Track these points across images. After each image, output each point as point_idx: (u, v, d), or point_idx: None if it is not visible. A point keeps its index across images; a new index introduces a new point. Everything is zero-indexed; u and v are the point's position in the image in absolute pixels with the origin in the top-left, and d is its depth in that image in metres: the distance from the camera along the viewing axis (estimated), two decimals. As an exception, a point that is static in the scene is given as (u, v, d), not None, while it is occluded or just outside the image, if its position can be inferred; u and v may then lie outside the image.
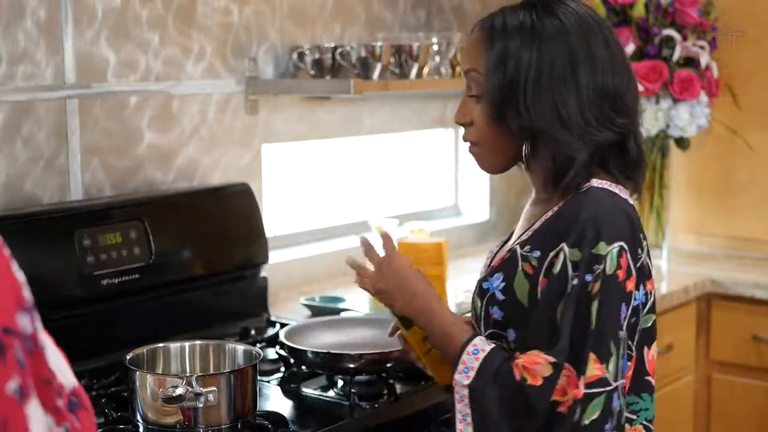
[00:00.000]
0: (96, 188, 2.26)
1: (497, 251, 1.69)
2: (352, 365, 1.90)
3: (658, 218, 3.06)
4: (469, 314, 1.67)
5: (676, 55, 2.92)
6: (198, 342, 1.86)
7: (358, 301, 2.50)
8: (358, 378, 1.94)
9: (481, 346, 1.50)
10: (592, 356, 1.42)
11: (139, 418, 1.68)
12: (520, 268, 1.53)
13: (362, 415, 1.84)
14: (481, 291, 1.58)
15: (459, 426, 1.49)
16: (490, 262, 1.68)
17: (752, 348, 2.92)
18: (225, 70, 2.52)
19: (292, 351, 1.97)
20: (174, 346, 1.84)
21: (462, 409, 1.48)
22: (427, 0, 3.08)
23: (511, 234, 1.70)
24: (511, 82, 1.51)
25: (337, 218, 3.01)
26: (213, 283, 2.30)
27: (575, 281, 1.45)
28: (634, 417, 1.55)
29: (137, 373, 1.67)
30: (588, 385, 1.42)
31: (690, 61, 2.97)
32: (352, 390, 1.89)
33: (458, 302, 2.29)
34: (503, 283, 1.54)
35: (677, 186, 3.25)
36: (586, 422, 1.41)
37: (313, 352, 1.93)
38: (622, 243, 1.45)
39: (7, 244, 0.91)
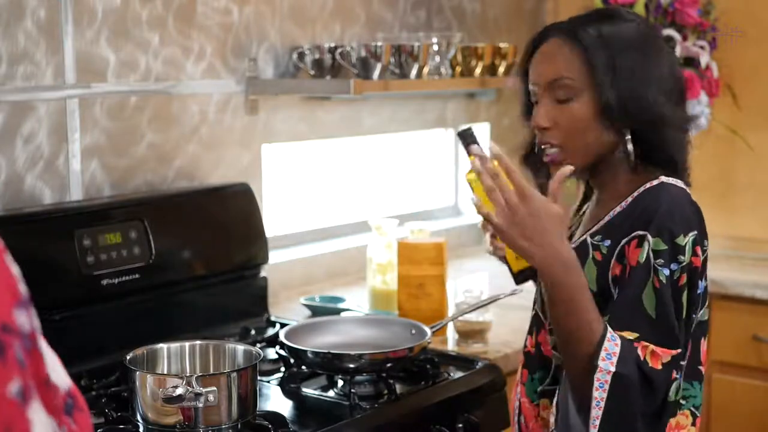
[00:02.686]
0: (96, 188, 2.26)
1: None
2: (352, 365, 1.90)
3: (658, 218, 3.05)
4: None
5: (676, 55, 2.92)
6: (198, 342, 1.86)
7: (358, 301, 2.51)
8: (358, 378, 1.94)
9: (612, 349, 1.50)
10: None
11: (139, 418, 1.68)
12: (590, 256, 1.60)
13: (362, 415, 1.84)
14: None
15: (593, 412, 1.49)
16: None
17: (752, 348, 2.92)
18: (225, 70, 2.52)
19: (292, 351, 1.97)
20: (174, 346, 1.84)
21: (599, 395, 1.49)
22: (427, 0, 3.08)
23: (570, 237, 1.70)
24: (624, 75, 1.59)
25: (337, 218, 3.01)
26: (213, 283, 2.30)
27: (666, 271, 1.53)
28: (683, 402, 1.61)
29: (137, 373, 1.67)
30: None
31: (690, 61, 2.97)
32: (352, 390, 1.89)
33: (458, 302, 2.29)
34: None
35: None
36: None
37: (313, 352, 1.93)
38: (695, 231, 1.58)
39: (7, 244, 0.89)
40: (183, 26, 2.41)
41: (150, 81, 2.36)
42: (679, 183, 1.63)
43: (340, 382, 1.96)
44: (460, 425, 1.97)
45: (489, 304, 2.15)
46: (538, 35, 1.68)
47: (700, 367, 1.64)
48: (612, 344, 1.49)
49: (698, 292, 1.61)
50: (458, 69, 2.81)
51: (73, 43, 2.19)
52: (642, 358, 1.49)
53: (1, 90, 2.08)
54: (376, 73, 2.53)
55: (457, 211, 3.40)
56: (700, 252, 1.59)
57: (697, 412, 1.63)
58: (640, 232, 1.54)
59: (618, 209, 1.62)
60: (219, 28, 2.50)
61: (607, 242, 1.60)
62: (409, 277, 2.37)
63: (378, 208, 3.10)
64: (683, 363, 1.56)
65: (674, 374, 1.53)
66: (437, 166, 3.36)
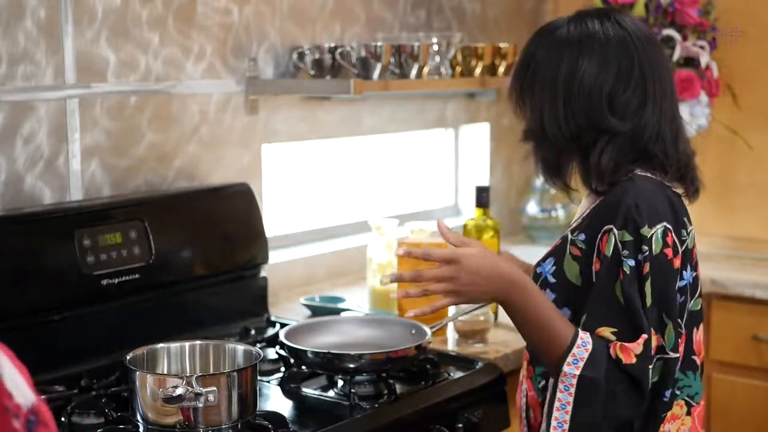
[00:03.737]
0: (96, 188, 2.26)
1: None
2: (352, 365, 1.90)
3: (658, 218, 3.05)
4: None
5: (676, 55, 2.92)
6: (198, 342, 1.86)
7: (358, 301, 2.51)
8: (358, 378, 1.94)
9: (587, 338, 1.55)
10: (651, 330, 1.55)
11: (139, 418, 1.68)
12: (568, 251, 1.65)
13: (362, 415, 1.84)
14: (535, 275, 1.68)
15: (556, 414, 1.55)
16: None
17: (752, 348, 2.92)
18: (225, 70, 2.52)
19: (292, 351, 1.97)
20: (174, 346, 1.84)
21: (563, 398, 1.54)
22: (427, 0, 3.08)
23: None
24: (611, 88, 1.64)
25: (337, 218, 3.01)
26: (213, 283, 2.30)
27: (631, 262, 1.55)
28: (678, 392, 1.64)
29: (137, 373, 1.67)
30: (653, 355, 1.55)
31: (690, 61, 2.97)
32: (352, 390, 1.89)
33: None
34: (554, 267, 1.66)
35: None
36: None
37: (313, 352, 1.93)
38: (665, 223, 1.57)
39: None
40: (183, 26, 2.41)
41: (150, 81, 2.36)
42: (657, 176, 1.64)
43: (340, 382, 1.96)
44: (460, 425, 1.97)
45: (489, 304, 2.15)
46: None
47: (695, 357, 1.65)
48: (582, 350, 1.54)
49: (684, 282, 1.60)
50: (458, 69, 2.81)
51: (73, 43, 2.19)
52: (615, 357, 1.53)
53: (1, 90, 2.08)
54: (376, 73, 2.53)
55: (457, 211, 3.40)
56: (674, 242, 1.58)
57: (692, 401, 1.65)
58: (608, 226, 1.58)
59: (593, 205, 1.66)
60: (219, 28, 2.50)
61: (582, 236, 1.63)
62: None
63: (378, 208, 3.10)
64: (663, 347, 1.57)
65: (650, 362, 1.55)
66: (437, 166, 3.36)
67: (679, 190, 1.69)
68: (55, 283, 1.99)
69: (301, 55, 2.61)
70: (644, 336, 1.54)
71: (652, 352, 1.55)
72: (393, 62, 2.57)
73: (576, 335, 1.55)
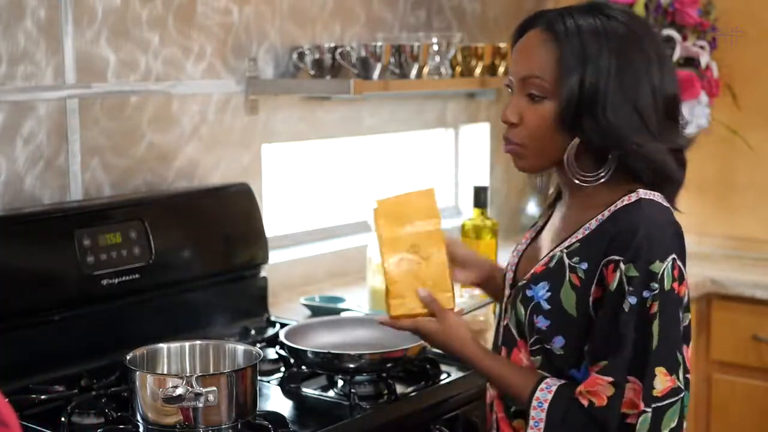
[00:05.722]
0: (96, 188, 2.26)
1: (526, 248, 1.71)
2: (352, 365, 1.90)
3: (658, 218, 3.05)
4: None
5: (676, 55, 2.92)
6: (198, 342, 1.86)
7: (358, 301, 2.51)
8: (358, 378, 1.94)
9: (544, 396, 1.52)
10: (661, 370, 1.47)
11: (139, 418, 1.68)
12: (567, 278, 1.54)
13: (362, 415, 1.84)
14: (524, 298, 1.58)
15: None
16: (518, 260, 1.70)
17: (752, 348, 2.92)
18: (225, 70, 2.52)
19: (292, 351, 1.97)
20: (174, 346, 1.84)
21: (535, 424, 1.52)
22: (427, 0, 3.08)
23: (540, 230, 1.70)
24: (591, 87, 1.50)
25: (337, 218, 3.01)
26: (213, 283, 2.30)
27: (633, 299, 1.47)
28: None
29: (137, 373, 1.67)
30: (662, 398, 1.47)
31: (690, 61, 2.97)
32: (352, 390, 1.89)
33: (464, 301, 2.28)
34: (549, 293, 1.55)
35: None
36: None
37: (313, 352, 1.93)
38: (673, 255, 1.49)
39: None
40: (183, 26, 2.41)
41: (150, 81, 2.36)
42: (657, 197, 1.55)
43: (340, 382, 1.96)
44: (460, 425, 1.97)
45: (489, 304, 2.15)
46: (524, 22, 1.63)
47: (687, 375, 1.56)
48: (538, 411, 1.51)
49: (684, 325, 1.53)
50: (458, 69, 2.81)
51: (73, 43, 2.19)
52: (582, 403, 1.48)
53: (1, 90, 2.08)
54: (376, 73, 2.53)
55: (458, 211, 3.40)
56: (680, 272, 1.51)
57: (683, 420, 1.57)
58: (616, 257, 1.49)
59: (594, 223, 1.55)
60: (219, 28, 2.50)
61: (585, 265, 1.53)
62: (397, 240, 1.73)
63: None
64: (679, 387, 1.49)
65: (625, 408, 1.47)
66: (437, 166, 3.36)
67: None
68: (55, 283, 1.99)
69: (301, 55, 2.61)
70: (634, 380, 1.47)
71: (662, 395, 1.47)
72: (393, 62, 2.57)
73: (539, 381, 1.53)
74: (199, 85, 2.46)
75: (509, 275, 1.71)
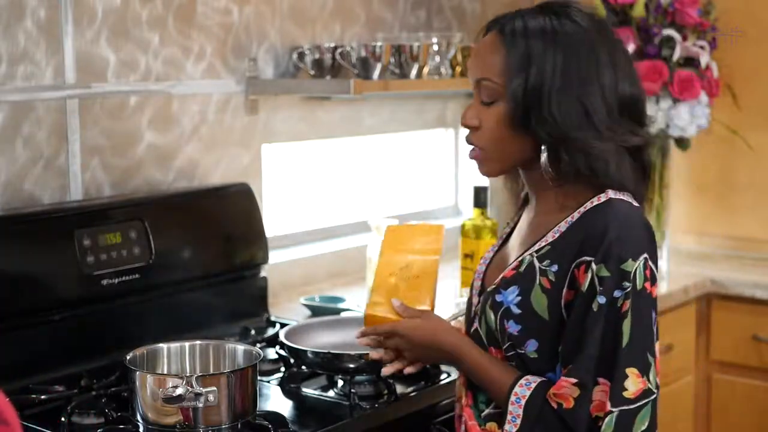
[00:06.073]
0: (96, 188, 2.26)
1: (494, 256, 1.70)
2: (352, 365, 1.90)
3: (658, 218, 3.06)
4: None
5: (676, 55, 2.92)
6: (198, 342, 1.86)
7: (358, 301, 2.50)
8: (358, 378, 1.94)
9: (522, 393, 1.51)
10: (633, 371, 1.46)
11: (139, 418, 1.68)
12: (537, 282, 1.53)
13: (362, 415, 1.84)
14: (494, 303, 1.57)
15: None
16: (486, 268, 1.69)
17: (752, 348, 2.92)
18: (225, 70, 2.52)
19: (292, 351, 1.97)
20: (174, 346, 1.83)
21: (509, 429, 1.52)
22: (427, 0, 3.08)
23: (507, 237, 1.70)
24: (535, 86, 1.51)
25: (337, 218, 3.01)
26: (213, 283, 2.30)
27: (602, 298, 1.46)
28: None
29: (137, 373, 1.67)
30: (634, 400, 1.46)
31: (690, 61, 2.97)
32: (352, 390, 1.89)
33: (458, 301, 2.29)
34: (519, 297, 1.54)
35: (677, 186, 3.24)
36: None
37: (313, 352, 1.93)
38: (645, 255, 1.48)
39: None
40: (183, 26, 2.41)
41: (150, 81, 2.36)
42: (627, 197, 1.54)
43: (340, 382, 1.96)
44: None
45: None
46: (484, 27, 1.63)
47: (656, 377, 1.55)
48: (516, 407, 1.51)
49: (654, 323, 1.51)
50: (458, 69, 2.81)
51: (73, 43, 2.19)
52: (552, 405, 1.48)
53: (1, 90, 2.08)
54: (376, 73, 2.53)
55: (457, 211, 3.40)
56: (652, 272, 1.49)
57: (655, 423, 1.55)
58: (587, 258, 1.48)
59: (563, 226, 1.55)
60: (219, 28, 2.50)
61: (555, 267, 1.52)
62: (394, 260, 1.83)
63: (378, 208, 3.10)
64: (650, 389, 1.47)
65: (594, 409, 1.46)
66: (437, 166, 3.36)
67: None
68: (55, 283, 1.99)
69: (301, 55, 2.61)
70: (603, 381, 1.45)
71: (635, 396, 1.45)
72: (393, 62, 2.57)
73: (517, 380, 1.53)
74: (199, 85, 2.46)
75: (477, 284, 1.70)
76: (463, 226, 2.52)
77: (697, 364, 2.99)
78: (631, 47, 2.92)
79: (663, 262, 3.06)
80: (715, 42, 3.02)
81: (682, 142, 3.02)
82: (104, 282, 2.06)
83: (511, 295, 1.55)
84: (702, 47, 2.96)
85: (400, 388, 1.96)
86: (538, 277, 1.53)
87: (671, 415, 2.85)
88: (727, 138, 3.19)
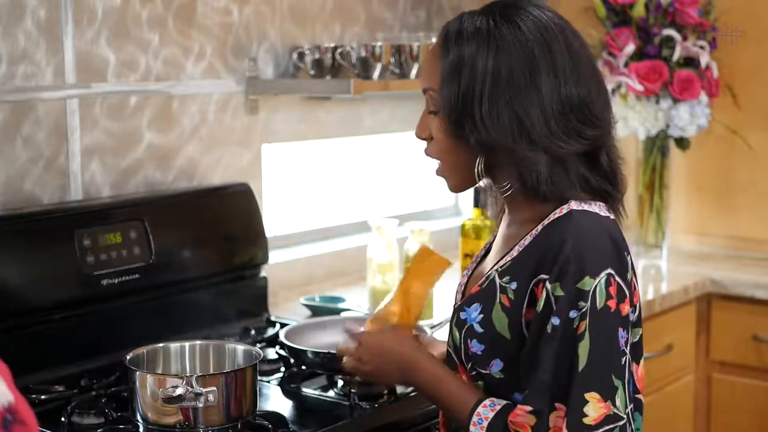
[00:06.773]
0: (96, 188, 2.26)
1: (473, 271, 1.63)
2: (352, 365, 1.90)
3: (658, 218, 3.06)
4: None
5: (676, 55, 2.92)
6: (198, 342, 1.86)
7: (358, 301, 2.51)
8: (358, 378, 1.93)
9: (485, 414, 1.44)
10: (593, 396, 1.37)
11: (139, 418, 1.68)
12: (498, 300, 1.46)
13: (362, 415, 1.84)
14: (459, 321, 1.50)
15: None
16: (466, 282, 1.62)
17: (752, 348, 2.92)
18: (225, 70, 2.52)
19: (292, 351, 1.97)
20: (174, 346, 1.84)
21: None
22: (427, 0, 3.08)
23: (487, 251, 1.63)
24: (466, 92, 1.43)
25: (337, 218, 3.01)
26: (213, 283, 2.30)
27: (556, 320, 1.38)
28: None
29: (137, 373, 1.67)
30: (595, 427, 1.37)
31: (690, 61, 2.97)
32: (352, 390, 1.89)
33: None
34: (481, 315, 1.47)
35: (677, 186, 3.24)
36: None
37: (313, 352, 1.93)
38: (609, 270, 1.39)
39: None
40: (183, 26, 2.41)
41: (150, 81, 2.36)
42: (593, 207, 1.44)
43: (340, 382, 1.96)
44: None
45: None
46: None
47: (639, 396, 1.49)
48: (477, 428, 1.43)
49: (634, 341, 1.45)
50: (458, 69, 2.81)
51: (73, 43, 2.19)
52: (509, 430, 1.41)
53: (1, 90, 2.08)
54: (376, 73, 2.53)
55: (457, 211, 3.40)
56: (619, 288, 1.39)
57: None
58: (543, 276, 1.40)
59: (528, 239, 1.46)
60: (219, 28, 2.50)
61: (514, 284, 1.44)
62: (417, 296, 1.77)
63: (378, 208, 3.10)
64: (616, 414, 1.38)
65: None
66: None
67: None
68: (55, 283, 1.99)
69: (301, 55, 2.61)
70: (560, 407, 1.37)
71: (596, 423, 1.36)
72: (393, 62, 2.57)
73: (478, 403, 1.45)
74: (199, 85, 2.46)
75: (458, 297, 1.63)
76: (463, 226, 2.52)
77: (697, 364, 2.99)
78: (630, 47, 2.92)
79: (663, 262, 3.06)
80: (715, 42, 3.02)
81: (682, 142, 3.02)
82: (104, 282, 2.06)
83: (474, 313, 1.48)
84: (702, 47, 2.96)
85: (400, 388, 1.96)
86: (498, 294, 1.46)
87: (671, 415, 2.85)
88: (727, 138, 3.19)
